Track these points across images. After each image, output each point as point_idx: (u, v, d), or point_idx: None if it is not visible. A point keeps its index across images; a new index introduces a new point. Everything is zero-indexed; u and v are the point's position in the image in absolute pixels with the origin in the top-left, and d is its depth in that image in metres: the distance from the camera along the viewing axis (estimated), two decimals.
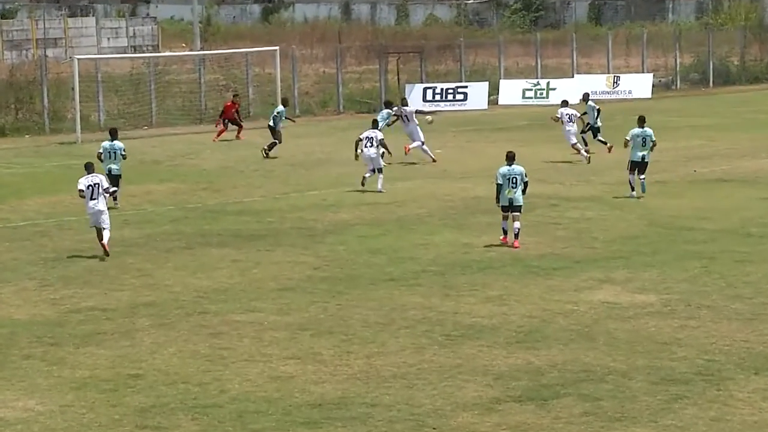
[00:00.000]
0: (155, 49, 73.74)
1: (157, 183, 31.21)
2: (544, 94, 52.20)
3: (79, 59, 43.78)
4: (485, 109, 49.64)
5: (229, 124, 41.27)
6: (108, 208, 23.53)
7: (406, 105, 35.98)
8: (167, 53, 64.26)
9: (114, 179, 27.02)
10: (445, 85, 51.60)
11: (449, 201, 27.97)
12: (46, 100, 43.85)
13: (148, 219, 26.79)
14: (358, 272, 21.25)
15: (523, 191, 23.01)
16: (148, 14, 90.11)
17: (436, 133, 38.75)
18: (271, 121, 37.75)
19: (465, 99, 50.90)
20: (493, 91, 52.49)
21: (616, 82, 53.54)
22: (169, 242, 24.08)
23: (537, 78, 53.68)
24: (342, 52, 52.90)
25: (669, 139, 38.97)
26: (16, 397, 14.92)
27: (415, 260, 22.11)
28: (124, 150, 28.15)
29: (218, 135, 41.09)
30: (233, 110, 41.46)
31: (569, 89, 51.28)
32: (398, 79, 52.49)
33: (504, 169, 22.97)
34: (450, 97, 51.00)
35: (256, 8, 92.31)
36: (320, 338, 17.12)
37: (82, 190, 22.97)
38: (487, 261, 21.97)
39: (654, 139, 27.89)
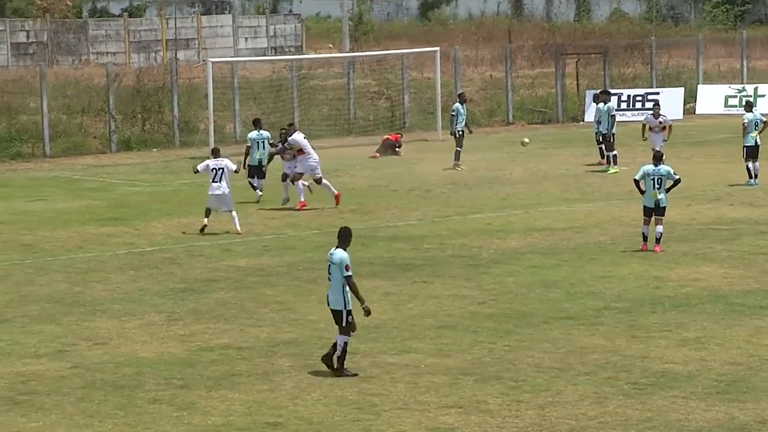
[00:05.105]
0: (299, 50, 75.03)
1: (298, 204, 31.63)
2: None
3: (213, 62, 44.73)
4: (680, 120, 49.08)
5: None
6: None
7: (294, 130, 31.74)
8: (312, 55, 65.29)
9: (262, 171, 32.45)
10: (632, 92, 51.21)
11: (636, 227, 27.68)
12: (176, 109, 44.84)
13: (289, 245, 27.18)
14: (529, 308, 21.21)
15: (670, 189, 25.05)
16: (290, 11, 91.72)
17: (623, 147, 38.39)
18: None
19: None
20: (690, 98, 51.88)
21: None
22: (312, 272, 24.37)
23: (742, 83, 52.86)
24: (512, 53, 52.95)
25: None
26: None
27: (597, 295, 21.98)
28: (270, 138, 32.76)
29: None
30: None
31: None
32: (577, 84, 52.33)
33: (649, 167, 25.01)
34: (638, 105, 50.56)
35: (414, 4, 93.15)
36: (485, 385, 17.14)
37: (198, 171, 28.03)
38: (682, 297, 21.72)
39: (764, 120, 33.52)
